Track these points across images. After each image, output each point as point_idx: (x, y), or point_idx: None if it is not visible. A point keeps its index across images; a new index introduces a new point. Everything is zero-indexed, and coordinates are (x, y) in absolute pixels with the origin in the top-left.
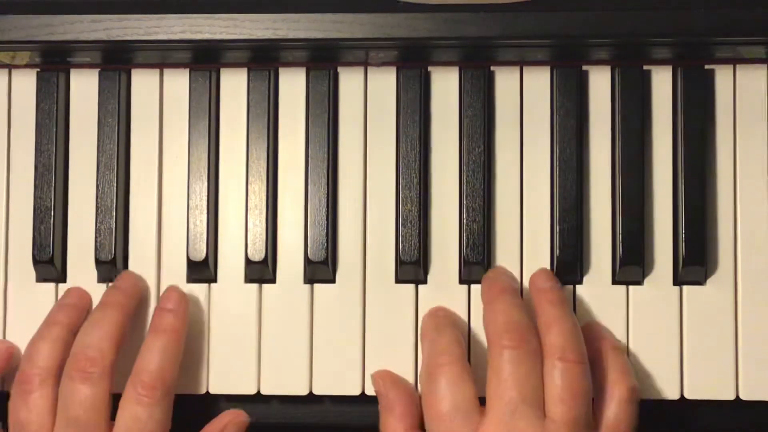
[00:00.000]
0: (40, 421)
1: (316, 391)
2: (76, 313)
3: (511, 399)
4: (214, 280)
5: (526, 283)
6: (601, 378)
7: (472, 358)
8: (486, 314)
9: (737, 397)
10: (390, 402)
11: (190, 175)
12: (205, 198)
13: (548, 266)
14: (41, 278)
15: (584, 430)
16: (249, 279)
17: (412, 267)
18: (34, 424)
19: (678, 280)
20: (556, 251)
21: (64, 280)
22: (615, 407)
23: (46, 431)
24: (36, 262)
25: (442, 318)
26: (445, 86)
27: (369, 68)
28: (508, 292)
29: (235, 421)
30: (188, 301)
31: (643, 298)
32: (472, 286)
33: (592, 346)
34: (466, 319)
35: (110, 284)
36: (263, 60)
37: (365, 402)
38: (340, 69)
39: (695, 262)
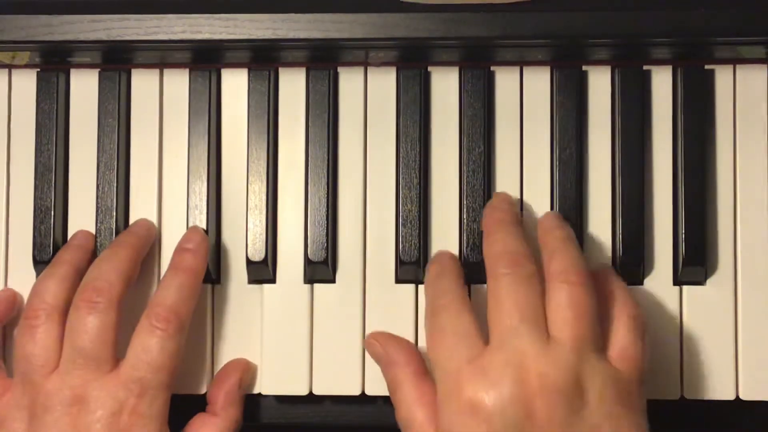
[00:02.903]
0: (46, 354)
1: (316, 391)
2: (82, 253)
3: (511, 321)
4: (216, 281)
5: None
6: (606, 309)
7: None
8: (484, 245)
9: (737, 397)
10: (391, 356)
11: (189, 175)
12: (205, 198)
13: None
14: None
15: (590, 352)
16: (249, 279)
17: (412, 267)
18: (40, 357)
19: (678, 280)
20: None
21: None
22: (621, 335)
23: (52, 364)
24: (36, 262)
25: (446, 263)
26: (445, 86)
27: (369, 68)
28: (506, 222)
29: (249, 368)
30: (208, 244)
31: (644, 298)
32: (473, 286)
33: (598, 287)
34: None
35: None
36: (263, 60)
37: (365, 402)
38: (340, 69)
39: (695, 262)
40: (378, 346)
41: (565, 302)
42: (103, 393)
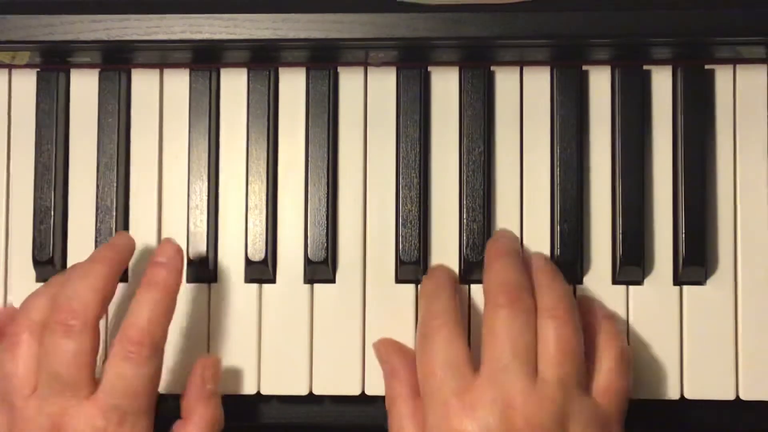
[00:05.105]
0: (25, 375)
1: (316, 391)
2: None
3: (502, 355)
4: (215, 280)
5: None
6: (592, 344)
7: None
8: (484, 276)
9: (737, 397)
10: (394, 368)
11: (190, 175)
12: (205, 198)
13: None
14: (41, 278)
15: (575, 390)
16: (249, 279)
17: (412, 267)
18: (19, 378)
19: (678, 280)
20: (556, 251)
21: None
22: (606, 369)
23: (31, 384)
24: (36, 262)
25: (441, 280)
26: (445, 86)
27: (369, 68)
28: (508, 254)
29: (209, 363)
30: (183, 256)
31: (643, 298)
32: (473, 286)
33: (585, 319)
34: (467, 320)
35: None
36: (263, 60)
37: (365, 402)
38: (340, 69)
39: (695, 262)
40: (384, 353)
41: (552, 339)
42: (81, 422)
